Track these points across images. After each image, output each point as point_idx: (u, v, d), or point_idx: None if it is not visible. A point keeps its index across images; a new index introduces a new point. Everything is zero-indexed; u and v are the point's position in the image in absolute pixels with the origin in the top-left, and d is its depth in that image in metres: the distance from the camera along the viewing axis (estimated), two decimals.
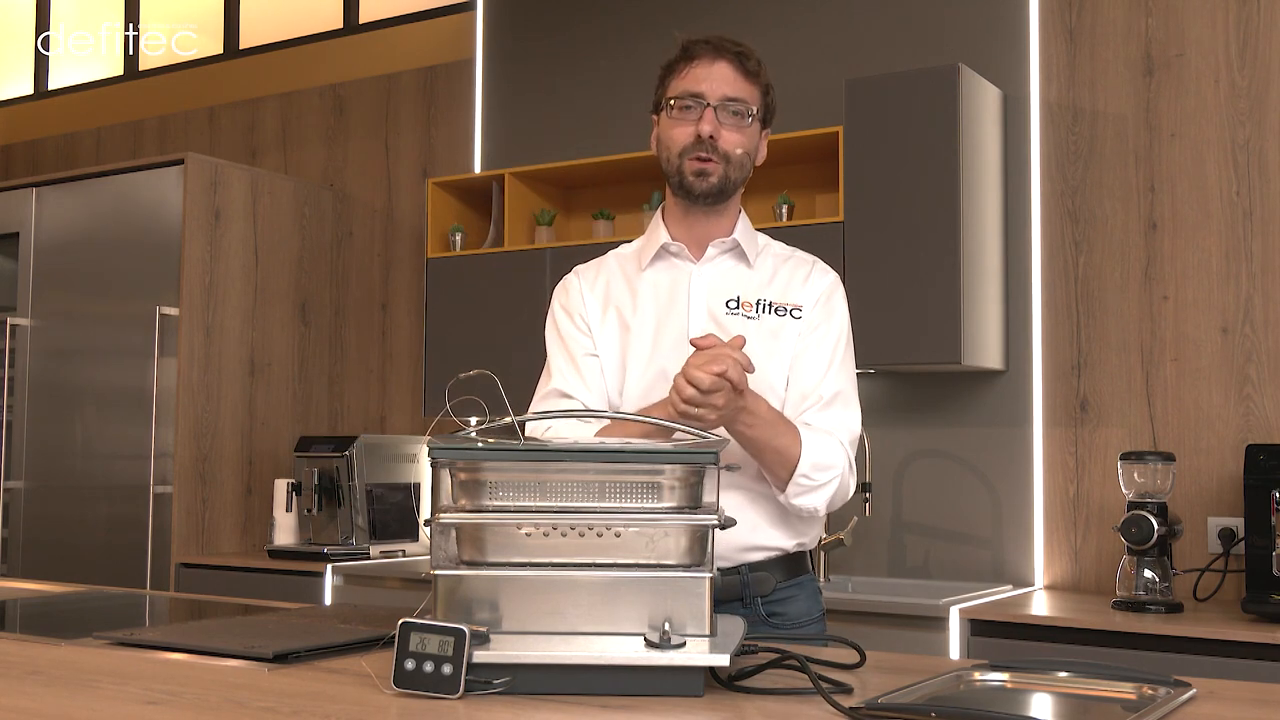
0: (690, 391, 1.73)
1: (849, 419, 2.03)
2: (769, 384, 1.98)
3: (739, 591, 1.97)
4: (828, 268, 2.10)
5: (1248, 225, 3.20)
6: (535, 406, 2.05)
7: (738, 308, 2.01)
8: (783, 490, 1.93)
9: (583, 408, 2.01)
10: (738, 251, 2.05)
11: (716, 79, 1.97)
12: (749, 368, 1.78)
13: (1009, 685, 1.54)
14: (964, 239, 3.23)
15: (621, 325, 2.04)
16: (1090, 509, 3.35)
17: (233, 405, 4.43)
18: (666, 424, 1.77)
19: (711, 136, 1.95)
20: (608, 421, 1.97)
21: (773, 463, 1.91)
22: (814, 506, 1.95)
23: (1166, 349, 3.28)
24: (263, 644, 1.74)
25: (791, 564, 2.04)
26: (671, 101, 2.00)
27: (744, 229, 2.07)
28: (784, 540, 2.01)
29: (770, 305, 2.02)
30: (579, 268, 2.15)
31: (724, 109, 1.97)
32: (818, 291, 2.05)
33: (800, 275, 2.06)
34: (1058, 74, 3.47)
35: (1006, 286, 3.48)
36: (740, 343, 1.80)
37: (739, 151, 1.98)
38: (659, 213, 2.10)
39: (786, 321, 2.01)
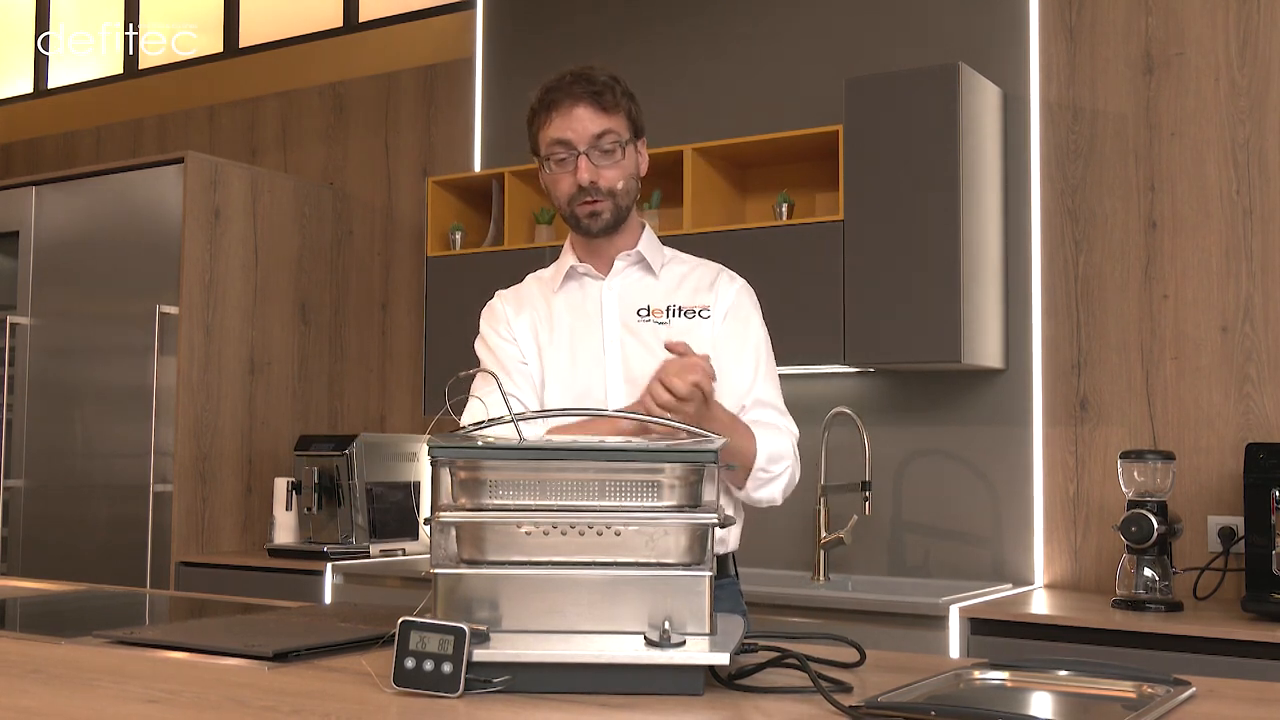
0: (666, 397, 1.79)
1: (785, 421, 2.12)
2: None
3: None
4: (735, 275, 2.19)
5: (1248, 224, 3.20)
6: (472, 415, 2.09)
7: (649, 315, 2.11)
8: (741, 487, 2.03)
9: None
10: (644, 264, 2.16)
11: (579, 124, 2.05)
12: (714, 378, 1.85)
13: (1009, 684, 1.54)
14: (964, 238, 3.23)
15: (540, 346, 2.14)
16: (1090, 508, 3.35)
17: (233, 404, 4.43)
18: (661, 420, 1.77)
19: (593, 181, 2.05)
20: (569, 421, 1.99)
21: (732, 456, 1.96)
22: (771, 497, 2.06)
23: (1166, 348, 3.28)
24: (263, 643, 1.74)
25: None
26: (547, 156, 2.08)
27: (648, 241, 2.18)
28: None
29: (680, 309, 2.12)
30: (501, 292, 2.26)
31: (595, 150, 2.05)
32: (727, 297, 2.14)
33: (706, 280, 2.16)
34: (1058, 73, 3.47)
35: (1006, 285, 3.48)
36: (707, 356, 1.86)
37: (620, 185, 2.09)
38: (567, 240, 2.21)
39: (696, 323, 2.11)
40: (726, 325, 2.11)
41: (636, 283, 2.15)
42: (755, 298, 2.18)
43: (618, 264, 2.14)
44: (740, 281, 2.18)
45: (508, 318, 2.18)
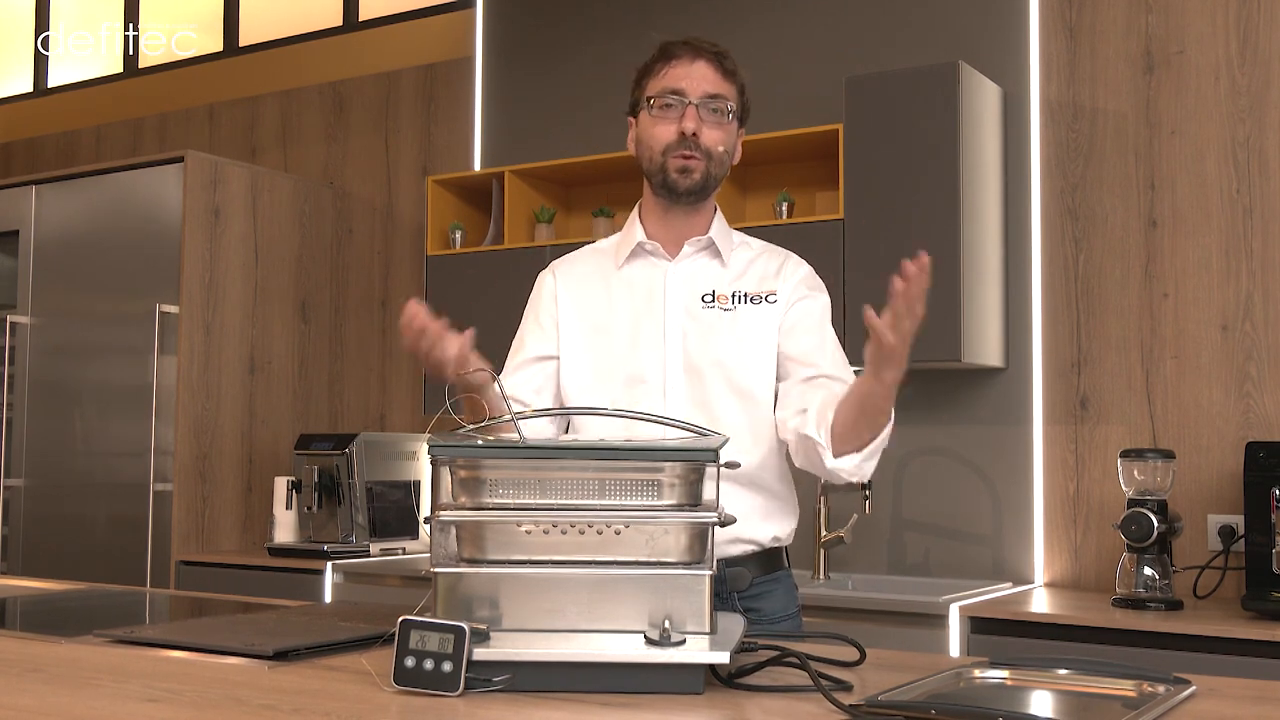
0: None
1: None
2: (758, 369, 2.01)
3: (715, 587, 1.98)
4: (801, 260, 2.12)
5: (1248, 223, 3.20)
6: (510, 373, 2.08)
7: (713, 302, 2.04)
8: (860, 449, 1.91)
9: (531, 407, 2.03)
10: (712, 249, 2.08)
11: (697, 77, 1.99)
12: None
13: (1009, 683, 1.54)
14: (964, 236, 3.23)
15: (594, 329, 2.06)
16: (1090, 506, 3.35)
17: (233, 403, 4.43)
18: (669, 420, 1.77)
19: (694, 134, 1.97)
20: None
21: (874, 423, 1.89)
22: (866, 473, 1.96)
23: (1166, 346, 3.28)
24: (263, 642, 1.74)
25: (768, 559, 2.07)
26: (652, 100, 2.01)
27: (719, 227, 2.09)
28: (761, 535, 2.04)
29: (746, 296, 2.04)
30: (556, 265, 2.16)
31: (705, 106, 1.99)
32: (796, 277, 2.08)
33: (774, 266, 2.09)
34: (1058, 71, 3.47)
35: (1006, 284, 3.48)
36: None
37: (720, 149, 2.01)
38: (636, 210, 2.12)
39: (763, 308, 2.04)
40: (796, 296, 2.05)
41: (704, 268, 2.06)
42: (820, 281, 2.11)
43: (687, 248, 2.06)
44: (807, 266, 2.11)
45: (556, 299, 2.10)
